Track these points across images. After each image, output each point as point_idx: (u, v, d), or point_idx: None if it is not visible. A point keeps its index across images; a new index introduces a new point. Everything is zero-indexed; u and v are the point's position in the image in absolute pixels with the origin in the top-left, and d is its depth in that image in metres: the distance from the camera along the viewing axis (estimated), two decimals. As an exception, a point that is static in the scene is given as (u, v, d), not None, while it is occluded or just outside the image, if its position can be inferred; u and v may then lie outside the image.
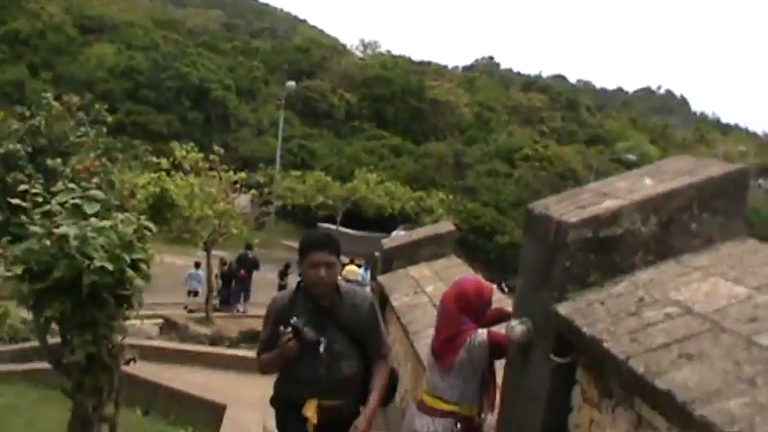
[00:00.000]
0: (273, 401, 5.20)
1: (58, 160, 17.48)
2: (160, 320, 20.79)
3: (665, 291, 3.72)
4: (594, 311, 3.81)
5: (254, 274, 27.39)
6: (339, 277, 5.02)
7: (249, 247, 27.52)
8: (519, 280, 4.97)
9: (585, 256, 4.12)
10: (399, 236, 13.57)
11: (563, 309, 4.00)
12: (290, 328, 4.74)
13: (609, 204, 4.15)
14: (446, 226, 11.88)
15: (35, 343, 14.69)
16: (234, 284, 26.90)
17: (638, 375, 3.07)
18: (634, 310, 3.64)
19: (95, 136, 18.84)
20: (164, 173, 22.36)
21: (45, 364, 11.62)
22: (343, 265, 23.14)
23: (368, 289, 15.33)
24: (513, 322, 4.66)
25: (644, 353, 3.19)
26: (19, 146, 17.09)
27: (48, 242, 6.18)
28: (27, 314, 18.49)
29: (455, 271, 9.15)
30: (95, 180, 15.05)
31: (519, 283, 4.97)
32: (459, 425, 5.27)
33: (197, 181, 22.22)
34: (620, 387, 3.53)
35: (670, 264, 4.03)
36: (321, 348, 4.79)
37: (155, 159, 24.78)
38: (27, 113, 18.36)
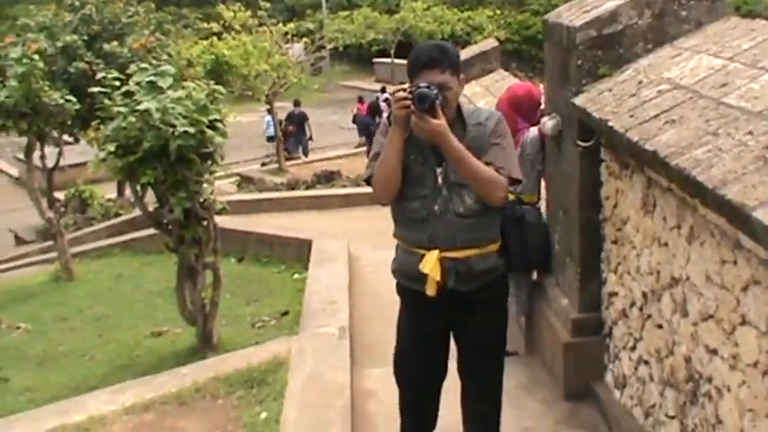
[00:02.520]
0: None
1: (115, 43, 17.97)
2: (235, 178, 21.78)
3: (660, 71, 4.40)
4: (603, 98, 4.52)
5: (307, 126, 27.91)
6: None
7: (297, 103, 27.98)
8: (545, 82, 5.70)
9: (594, 52, 4.80)
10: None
11: (578, 100, 4.73)
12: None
13: (608, 6, 4.79)
14: (490, 42, 12.37)
15: (126, 217, 15.87)
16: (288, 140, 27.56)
17: (634, 142, 3.80)
18: (634, 91, 4.34)
19: (145, 13, 19.29)
20: (215, 37, 22.97)
21: (140, 234, 12.81)
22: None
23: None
24: (545, 119, 5.43)
25: (638, 125, 3.91)
26: (75, 36, 17.61)
27: (133, 118, 6.93)
28: (111, 194, 19.83)
29: (503, 84, 9.69)
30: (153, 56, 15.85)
31: (546, 85, 5.70)
32: None
33: (249, 39, 22.78)
34: (629, 156, 4.26)
35: (666, 48, 4.68)
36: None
37: (205, 25, 25.36)
38: (77, 3, 18.84)
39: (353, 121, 28.73)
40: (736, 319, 3.30)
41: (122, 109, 7.07)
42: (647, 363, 4.41)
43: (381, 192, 3.99)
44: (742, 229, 2.97)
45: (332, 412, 5.07)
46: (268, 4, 23.83)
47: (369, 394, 5.56)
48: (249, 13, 23.94)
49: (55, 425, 5.36)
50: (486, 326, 4.13)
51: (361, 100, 29.20)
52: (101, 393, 6.00)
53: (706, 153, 3.26)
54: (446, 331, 4.17)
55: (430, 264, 3.87)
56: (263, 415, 5.26)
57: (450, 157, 3.80)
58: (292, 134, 27.33)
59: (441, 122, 3.68)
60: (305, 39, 27.85)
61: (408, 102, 3.69)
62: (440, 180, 3.91)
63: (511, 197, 5.88)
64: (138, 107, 6.94)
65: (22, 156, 25.48)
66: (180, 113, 6.88)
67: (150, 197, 7.73)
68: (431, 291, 3.89)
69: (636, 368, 4.59)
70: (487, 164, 3.85)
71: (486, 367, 4.22)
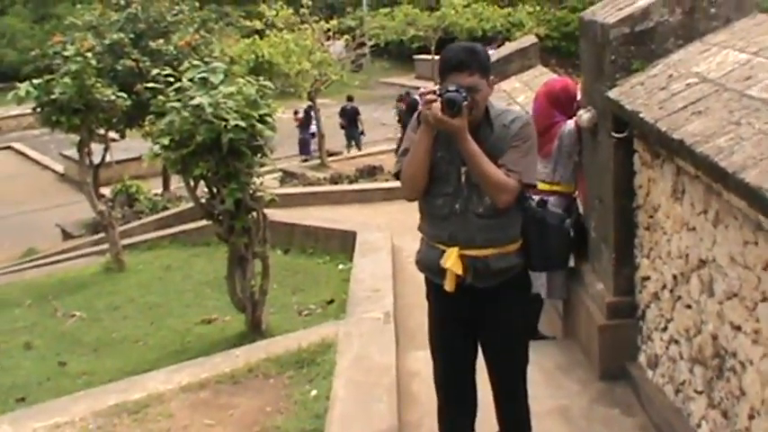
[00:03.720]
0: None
1: (161, 41, 18.40)
2: (278, 174, 22.08)
3: (689, 66, 4.65)
4: (635, 91, 4.78)
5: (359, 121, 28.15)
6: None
7: (350, 98, 28.23)
8: (582, 76, 5.95)
9: (627, 48, 5.07)
10: (490, 54, 14.29)
11: (612, 93, 4.99)
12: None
13: (640, 3, 5.05)
14: (529, 39, 12.59)
15: (174, 210, 16.26)
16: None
17: (662, 132, 4.06)
18: (664, 85, 4.60)
19: (189, 11, 19.72)
20: (257, 36, 23.31)
21: (188, 227, 13.17)
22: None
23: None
24: (581, 111, 5.69)
25: (667, 116, 4.17)
26: (122, 34, 18.04)
27: (186, 113, 7.27)
28: (157, 189, 20.26)
29: (542, 80, 9.90)
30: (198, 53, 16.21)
31: (582, 79, 5.96)
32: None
33: (291, 36, 23.10)
34: (659, 146, 4.51)
35: (695, 44, 4.94)
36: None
37: (248, 23, 25.72)
38: (123, 2, 19.27)
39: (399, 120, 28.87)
40: (757, 297, 3.55)
41: (176, 104, 7.42)
42: (677, 342, 4.66)
43: (408, 188, 4.15)
44: (761, 211, 3.22)
45: (379, 390, 5.36)
46: (309, 2, 24.08)
47: (413, 375, 5.82)
48: (291, 10, 24.26)
49: (117, 401, 5.70)
50: (505, 320, 4.28)
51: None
52: (157, 374, 6.34)
53: (728, 141, 3.52)
54: (468, 320, 4.32)
55: (451, 260, 4.03)
56: (314, 392, 5.57)
57: (464, 155, 3.94)
58: (345, 128, 27.62)
59: (457, 122, 3.82)
60: (346, 36, 28.08)
61: (437, 104, 3.81)
62: (463, 179, 4.04)
63: (550, 188, 6.17)
64: (190, 102, 7.28)
65: (67, 152, 26.17)
66: (231, 108, 7.21)
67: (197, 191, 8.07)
68: (449, 286, 4.09)
69: (667, 348, 4.84)
70: (500, 166, 3.95)
71: (507, 358, 4.41)
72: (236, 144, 7.25)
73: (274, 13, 24.06)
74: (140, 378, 6.36)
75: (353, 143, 27.89)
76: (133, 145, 23.53)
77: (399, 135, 26.49)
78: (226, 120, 7.12)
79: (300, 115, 27.69)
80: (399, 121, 27.08)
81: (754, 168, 3.18)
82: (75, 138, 12.11)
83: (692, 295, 4.34)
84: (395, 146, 25.05)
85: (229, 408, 5.54)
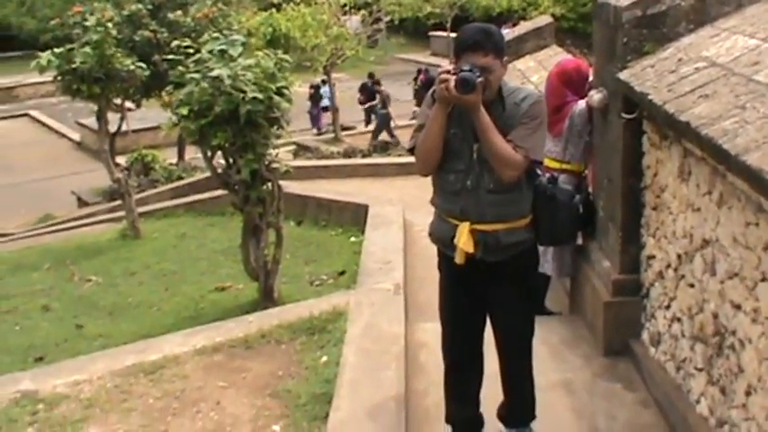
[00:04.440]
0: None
1: (179, 12, 18.47)
2: (292, 147, 22.21)
3: (699, 50, 4.76)
4: (645, 74, 4.89)
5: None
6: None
7: (371, 75, 28.28)
8: (594, 58, 6.06)
9: (639, 31, 5.18)
10: (504, 34, 14.38)
11: (623, 75, 5.11)
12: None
13: (654, -14, 5.15)
14: (545, 19, 12.66)
15: (189, 180, 16.42)
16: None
17: (670, 114, 4.17)
18: (674, 68, 4.71)
19: (208, -17, 19.76)
20: (274, 9, 23.40)
21: (202, 196, 13.33)
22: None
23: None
24: (592, 92, 5.81)
25: (675, 98, 4.29)
26: (140, 5, 18.12)
27: (205, 84, 7.38)
28: (172, 158, 20.41)
29: (556, 59, 9.97)
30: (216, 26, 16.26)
31: (594, 60, 6.07)
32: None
33: (308, 11, 23.20)
34: (667, 128, 4.62)
35: (706, 29, 5.04)
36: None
37: (266, -5, 25.84)
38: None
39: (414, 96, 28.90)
40: (757, 276, 3.67)
41: (195, 75, 7.54)
42: (679, 320, 4.78)
43: (422, 163, 4.27)
44: (762, 193, 3.34)
45: (387, 357, 5.51)
46: (327, -24, 24.19)
47: (421, 345, 5.97)
48: (308, -16, 24.34)
49: (134, 362, 5.87)
50: (513, 292, 4.43)
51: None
52: (173, 336, 6.50)
53: (733, 124, 3.63)
54: (477, 291, 4.47)
55: (463, 237, 4.18)
56: (324, 358, 5.73)
57: (476, 128, 4.05)
58: (363, 104, 27.70)
59: (472, 98, 3.93)
60: (362, 11, 28.14)
61: (451, 83, 3.91)
62: (475, 156, 4.15)
63: (561, 166, 6.29)
64: (210, 74, 7.40)
65: (84, 121, 26.31)
66: (249, 80, 7.33)
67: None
68: (459, 259, 4.25)
69: (670, 326, 4.96)
70: (509, 141, 4.07)
71: (513, 329, 4.56)
72: (253, 116, 7.36)
73: (293, -14, 24.12)
74: (156, 340, 6.52)
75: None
76: (149, 115, 23.76)
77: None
78: (244, 91, 7.23)
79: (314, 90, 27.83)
80: (415, 97, 27.18)
81: (756, 151, 3.30)
82: (93, 107, 12.29)
83: (696, 274, 4.47)
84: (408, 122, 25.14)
85: (242, 371, 5.70)
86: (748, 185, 3.48)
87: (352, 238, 10.11)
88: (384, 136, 23.55)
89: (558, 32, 12.93)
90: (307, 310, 6.53)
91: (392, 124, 24.90)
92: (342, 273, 8.98)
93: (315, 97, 27.87)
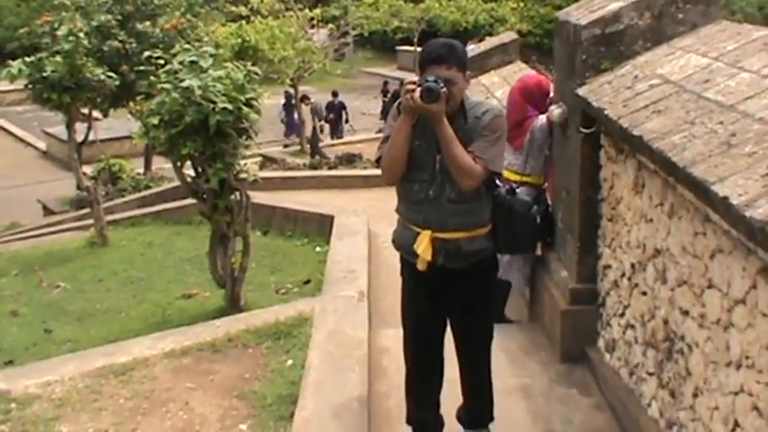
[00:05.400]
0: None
1: (147, 23, 18.49)
2: (258, 159, 22.26)
3: (654, 68, 4.98)
4: (603, 90, 5.11)
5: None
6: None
7: (335, 94, 28.49)
8: (554, 74, 6.28)
9: (597, 49, 5.41)
10: (469, 49, 14.60)
11: (581, 91, 5.32)
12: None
13: (612, 7, 5.38)
14: (510, 35, 12.89)
15: (156, 189, 16.47)
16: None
17: (624, 128, 4.38)
18: (630, 84, 4.93)
19: (177, -5, 19.79)
20: (243, 21, 23.53)
21: (170, 205, 13.39)
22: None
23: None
24: (553, 107, 6.03)
25: (630, 114, 4.50)
26: (109, 16, 18.11)
27: (176, 95, 7.51)
28: (138, 168, 20.44)
29: (520, 75, 10.22)
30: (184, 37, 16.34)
31: (554, 76, 6.29)
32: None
33: (276, 23, 23.36)
34: (623, 142, 4.83)
35: (662, 47, 5.27)
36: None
37: (234, 8, 25.90)
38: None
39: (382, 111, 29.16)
40: (704, 283, 3.87)
41: (166, 86, 7.67)
42: (633, 327, 4.98)
43: (388, 173, 4.43)
44: (708, 203, 3.54)
45: (351, 361, 5.67)
46: (295, -10, 24.39)
47: (383, 350, 6.14)
48: (276, -3, 24.52)
49: (104, 363, 5.97)
50: (473, 299, 4.62)
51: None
52: (143, 340, 6.60)
53: (682, 138, 3.84)
54: (438, 297, 4.63)
55: (423, 244, 4.37)
56: (290, 362, 5.89)
57: (438, 137, 4.21)
58: (333, 123, 27.86)
59: (435, 107, 4.10)
60: (330, 25, 28.35)
61: (416, 93, 4.08)
62: (438, 167, 4.32)
63: (521, 179, 6.48)
64: (181, 84, 7.53)
65: (50, 130, 26.21)
66: (219, 91, 7.47)
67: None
68: (421, 266, 4.44)
69: (624, 332, 5.16)
70: (469, 152, 4.22)
71: (472, 334, 4.75)
72: (222, 126, 7.49)
73: (259, -1, 24.29)
74: (126, 343, 6.60)
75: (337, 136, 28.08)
76: (115, 125, 23.76)
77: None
78: (214, 102, 7.37)
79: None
80: (383, 111, 27.38)
81: (702, 164, 3.50)
82: (60, 116, 12.32)
83: (648, 282, 4.67)
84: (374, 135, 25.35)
85: (210, 373, 5.83)
86: (695, 197, 3.68)
87: (318, 248, 10.23)
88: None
89: (523, 48, 13.18)
90: (273, 316, 6.67)
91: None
92: (307, 281, 9.10)
93: (288, 106, 27.99)
